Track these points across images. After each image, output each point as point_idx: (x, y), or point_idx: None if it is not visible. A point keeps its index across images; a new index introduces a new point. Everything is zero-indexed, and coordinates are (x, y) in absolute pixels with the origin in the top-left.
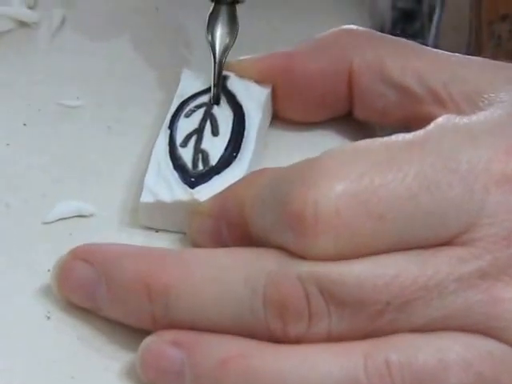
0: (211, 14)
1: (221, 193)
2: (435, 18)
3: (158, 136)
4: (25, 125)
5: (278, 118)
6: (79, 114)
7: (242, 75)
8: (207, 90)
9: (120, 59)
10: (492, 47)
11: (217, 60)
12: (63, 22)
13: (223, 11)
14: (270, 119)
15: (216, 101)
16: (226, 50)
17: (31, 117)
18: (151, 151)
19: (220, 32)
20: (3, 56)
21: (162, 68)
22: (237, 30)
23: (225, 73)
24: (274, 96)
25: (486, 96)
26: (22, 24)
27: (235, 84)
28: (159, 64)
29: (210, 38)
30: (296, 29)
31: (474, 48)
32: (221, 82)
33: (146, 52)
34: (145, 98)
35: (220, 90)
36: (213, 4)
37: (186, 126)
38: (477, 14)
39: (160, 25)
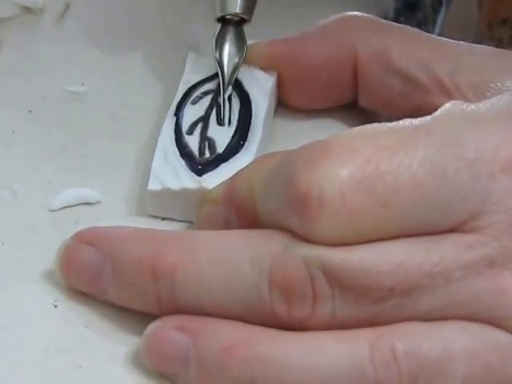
0: (218, 34)
1: (229, 179)
2: (439, 17)
3: (163, 122)
4: (30, 111)
5: (284, 105)
6: (84, 100)
7: (248, 61)
8: (214, 76)
9: (124, 45)
10: None
11: (226, 81)
12: (67, 7)
13: (230, 31)
14: (275, 106)
15: (217, 119)
16: (235, 70)
17: (36, 103)
18: (157, 137)
19: (228, 52)
20: (8, 42)
21: (168, 54)
22: (245, 50)
23: None
24: (279, 83)
25: (492, 85)
26: (27, 10)
27: (241, 71)
28: (164, 50)
29: (218, 57)
30: (299, 16)
31: None
32: (231, 103)
33: (151, 38)
34: (150, 83)
35: (218, 108)
36: (220, 25)
37: (192, 113)
38: (479, 16)
39: (165, 11)
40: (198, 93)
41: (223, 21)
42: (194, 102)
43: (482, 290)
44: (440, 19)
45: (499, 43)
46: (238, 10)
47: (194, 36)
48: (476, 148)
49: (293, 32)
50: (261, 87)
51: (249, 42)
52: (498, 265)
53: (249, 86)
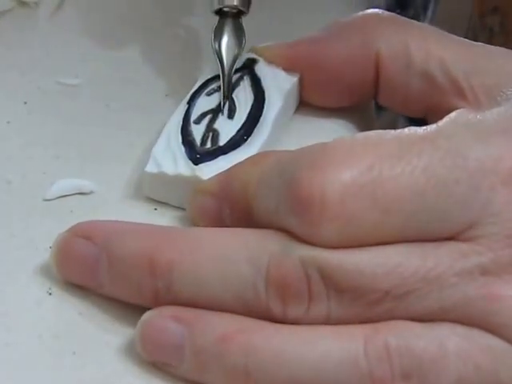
0: (216, 27)
1: (224, 172)
2: (429, 10)
3: (158, 113)
4: (25, 103)
5: (303, 103)
6: (78, 92)
7: (269, 61)
8: (236, 71)
9: (118, 38)
10: (485, 41)
11: (226, 72)
12: (62, 1)
13: (228, 23)
14: (295, 108)
15: (228, 113)
16: (234, 61)
17: (31, 95)
18: (150, 129)
19: (227, 44)
20: (3, 35)
21: (162, 47)
22: (244, 41)
23: (254, 57)
24: (301, 82)
25: (504, 90)
26: (22, 3)
27: (263, 69)
28: (159, 43)
29: (217, 49)
30: (294, 14)
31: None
32: (230, 94)
33: (145, 31)
34: (142, 76)
35: (230, 102)
36: (218, 17)
37: (204, 103)
38: (472, 5)
39: (161, 3)
40: (214, 85)
41: (221, 13)
42: (209, 94)
43: (474, 296)
44: (428, 16)
45: (491, 32)
46: (235, 3)
47: (190, 29)
48: (478, 159)
49: (287, 32)
50: (279, 87)
51: (271, 43)
52: (491, 274)
53: (267, 85)
